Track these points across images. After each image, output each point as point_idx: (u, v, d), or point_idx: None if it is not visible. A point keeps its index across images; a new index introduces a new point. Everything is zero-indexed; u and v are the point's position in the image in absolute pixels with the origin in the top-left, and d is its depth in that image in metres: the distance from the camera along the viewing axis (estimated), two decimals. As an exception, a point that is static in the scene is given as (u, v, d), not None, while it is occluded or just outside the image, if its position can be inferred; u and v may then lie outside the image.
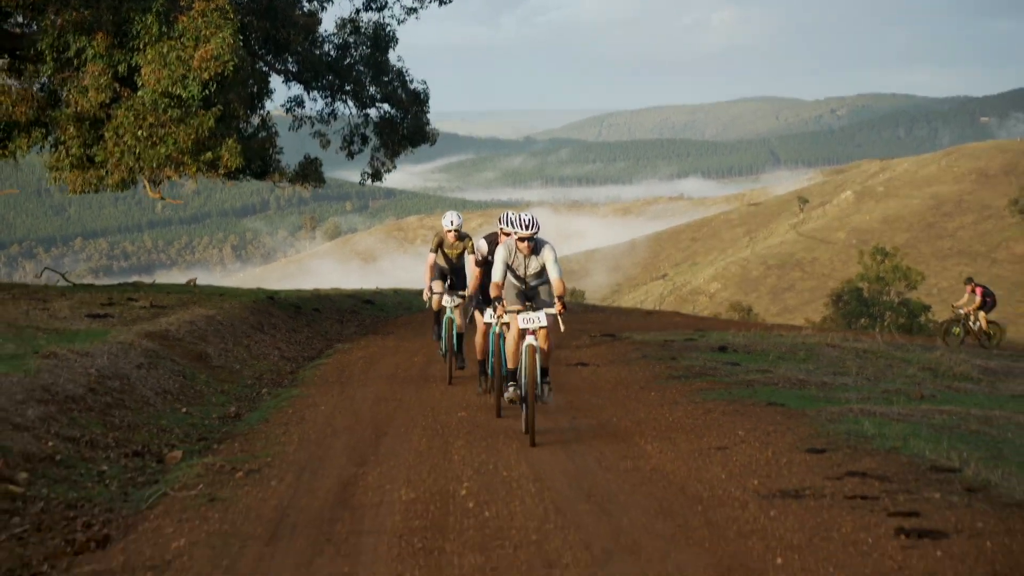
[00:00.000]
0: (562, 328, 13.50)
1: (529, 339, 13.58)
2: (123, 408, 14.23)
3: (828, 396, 15.93)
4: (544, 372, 13.84)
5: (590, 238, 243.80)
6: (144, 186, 28.76)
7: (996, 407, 16.53)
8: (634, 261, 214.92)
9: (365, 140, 33.60)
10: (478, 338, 17.27)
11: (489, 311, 16.76)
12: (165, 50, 23.54)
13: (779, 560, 7.83)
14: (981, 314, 33.87)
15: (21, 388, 12.86)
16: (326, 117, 33.33)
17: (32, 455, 11.14)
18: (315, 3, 31.13)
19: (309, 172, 29.90)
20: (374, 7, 32.41)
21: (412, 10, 32.68)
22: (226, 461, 11.65)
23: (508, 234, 15.65)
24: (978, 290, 34.10)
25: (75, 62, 24.69)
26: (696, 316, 45.24)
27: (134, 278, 36.15)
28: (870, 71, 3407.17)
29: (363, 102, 32.98)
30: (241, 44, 24.38)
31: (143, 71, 23.82)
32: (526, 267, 14.33)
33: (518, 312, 13.78)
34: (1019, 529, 8.15)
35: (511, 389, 14.07)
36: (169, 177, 25.61)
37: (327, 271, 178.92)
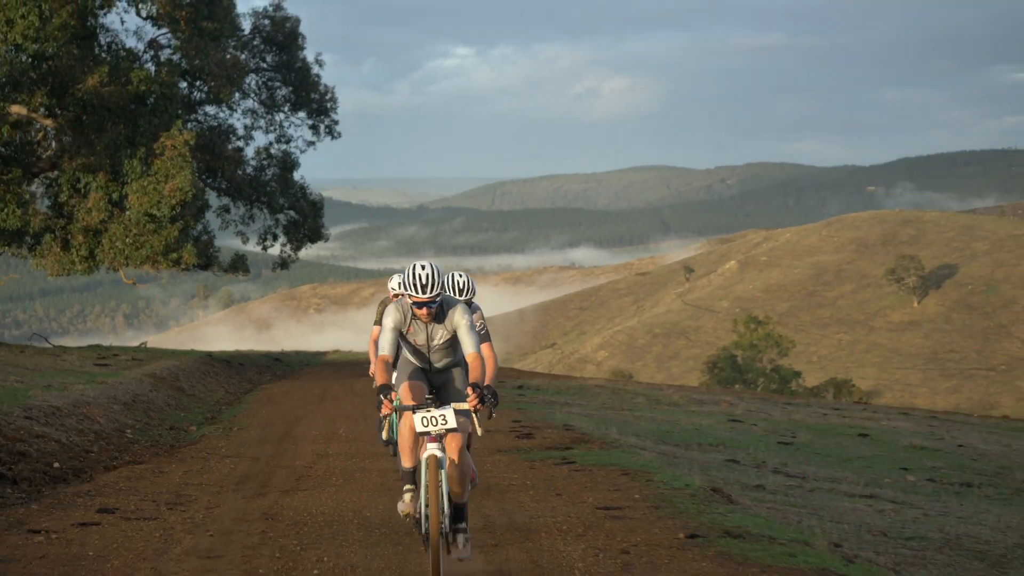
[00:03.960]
0: (479, 431, 10.10)
1: (431, 448, 9.97)
2: (152, 409, 26.02)
3: (560, 408, 28.12)
4: (459, 511, 10.36)
5: (481, 307, 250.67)
6: (118, 274, 41.12)
7: (662, 415, 29.06)
8: (523, 330, 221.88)
9: (275, 237, 45.91)
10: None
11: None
12: (145, 184, 35.74)
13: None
14: None
15: (104, 396, 24.74)
16: (246, 220, 45.57)
17: (126, 424, 23.15)
18: (241, 141, 43.56)
19: (239, 264, 42.31)
20: (283, 141, 44.98)
21: (311, 143, 45.39)
22: (224, 427, 23.79)
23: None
24: None
25: (83, 191, 36.95)
26: (528, 371, 57.34)
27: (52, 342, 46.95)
28: (759, 140, 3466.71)
29: (274, 209, 45.32)
30: (197, 177, 36.78)
31: (130, 198, 36.08)
32: (429, 337, 10.46)
33: (413, 410, 9.96)
34: (575, 439, 20.55)
35: (406, 496, 10.53)
36: (148, 270, 37.86)
37: (222, 338, 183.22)
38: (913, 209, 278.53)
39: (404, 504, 10.50)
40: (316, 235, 45.73)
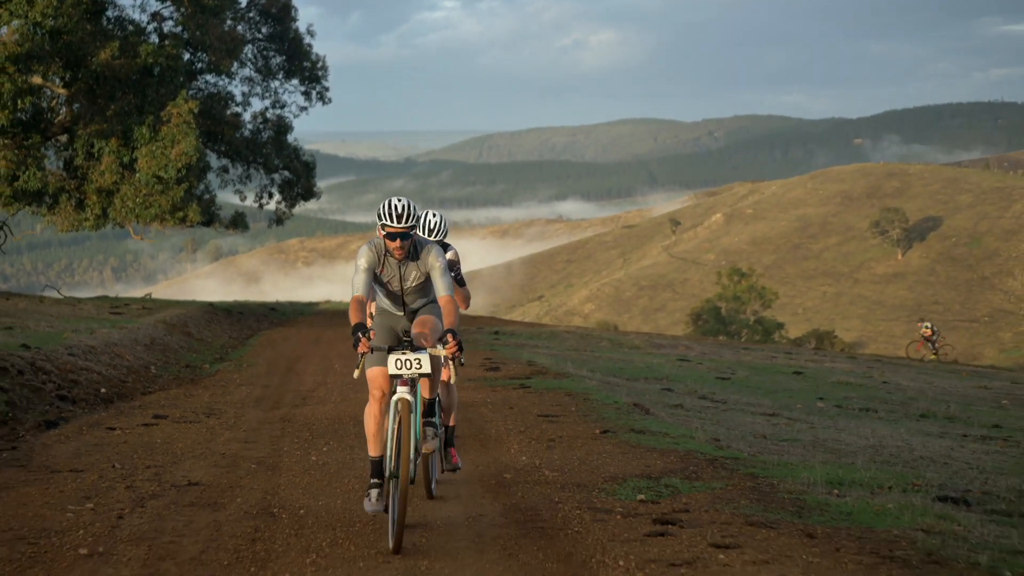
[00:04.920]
0: (452, 378, 10.34)
1: (402, 392, 10.06)
2: (168, 351, 29.86)
3: (529, 349, 32.02)
4: (429, 407, 10.80)
5: (469, 260, 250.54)
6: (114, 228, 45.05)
7: (620, 356, 32.98)
8: (511, 283, 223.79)
9: (271, 195, 49.80)
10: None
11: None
12: (154, 148, 39.50)
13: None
14: None
15: (127, 338, 28.60)
16: (244, 180, 49.45)
17: (149, 362, 27.02)
18: (239, 107, 47.38)
19: (239, 221, 46.11)
20: (277, 106, 48.85)
21: (303, 108, 49.20)
22: (234, 365, 27.68)
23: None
24: None
25: (96, 155, 40.75)
26: (508, 320, 61.22)
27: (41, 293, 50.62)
28: (747, 93, 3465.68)
29: (270, 169, 49.17)
30: (200, 142, 40.57)
31: (140, 161, 39.86)
32: (402, 278, 10.59)
33: (388, 350, 10.09)
34: (534, 371, 24.51)
35: (373, 494, 10.28)
36: (157, 228, 41.70)
37: (211, 291, 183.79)
38: (899, 162, 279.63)
39: (371, 503, 10.22)
40: (309, 193, 49.71)
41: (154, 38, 43.52)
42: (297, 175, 49.22)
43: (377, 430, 10.29)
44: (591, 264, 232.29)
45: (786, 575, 8.46)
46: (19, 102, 38.13)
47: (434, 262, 10.35)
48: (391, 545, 9.51)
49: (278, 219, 50.33)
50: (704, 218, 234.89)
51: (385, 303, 10.98)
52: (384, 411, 10.28)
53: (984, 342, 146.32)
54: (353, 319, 9.94)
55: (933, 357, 51.29)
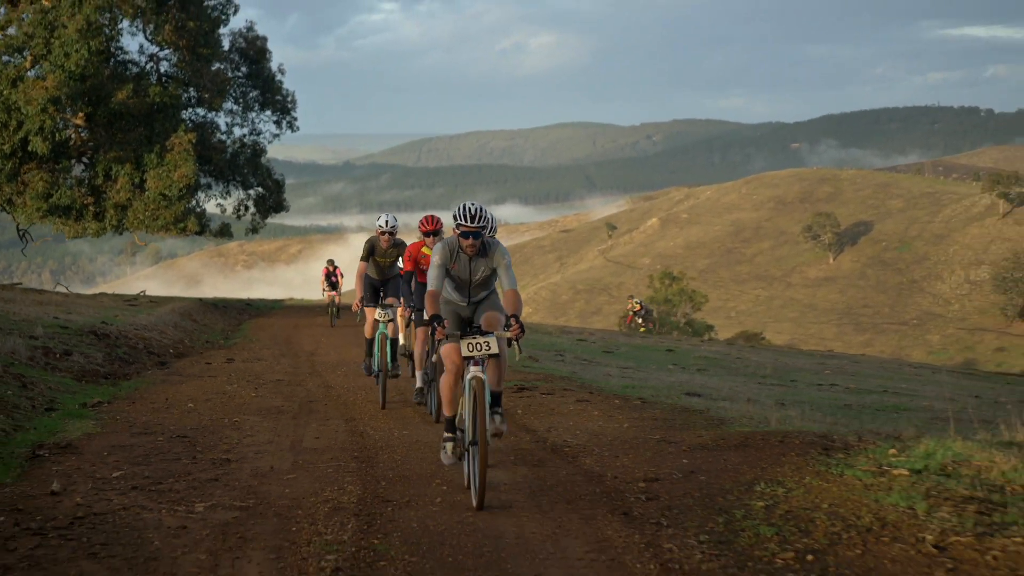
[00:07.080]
0: (517, 356, 12.51)
1: (474, 371, 11.34)
2: (187, 331, 40.06)
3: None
4: (496, 397, 12.03)
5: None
6: (133, 237, 55.57)
7: (533, 336, 43.52)
8: None
9: (247, 208, 60.33)
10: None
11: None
12: (160, 171, 50.04)
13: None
14: None
15: (160, 321, 38.89)
16: (224, 195, 59.94)
17: (182, 337, 37.38)
18: (224, 135, 58.01)
19: (224, 231, 56.68)
20: (254, 134, 59.53)
21: (276, 135, 59.79)
22: (243, 340, 38.18)
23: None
24: None
25: (113, 176, 51.37)
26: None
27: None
28: (686, 97, 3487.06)
29: (246, 186, 59.71)
30: (196, 166, 51.18)
31: (149, 182, 50.46)
32: (471, 272, 12.15)
33: (460, 337, 11.50)
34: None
35: (448, 447, 11.95)
36: (161, 236, 52.27)
37: (154, 292, 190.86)
38: (835, 166, 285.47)
39: (447, 455, 11.95)
40: (279, 207, 60.39)
41: (153, 77, 54.03)
42: (269, 191, 59.69)
43: (450, 395, 11.86)
44: (529, 268, 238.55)
45: (567, 399, 19.33)
46: (56, 135, 48.53)
47: (501, 260, 11.91)
48: (475, 502, 10.87)
49: (253, 228, 60.72)
50: (640, 222, 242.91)
51: (452, 295, 12.57)
52: (456, 381, 11.81)
53: (913, 344, 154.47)
54: (429, 311, 11.53)
55: (643, 329, 61.92)
